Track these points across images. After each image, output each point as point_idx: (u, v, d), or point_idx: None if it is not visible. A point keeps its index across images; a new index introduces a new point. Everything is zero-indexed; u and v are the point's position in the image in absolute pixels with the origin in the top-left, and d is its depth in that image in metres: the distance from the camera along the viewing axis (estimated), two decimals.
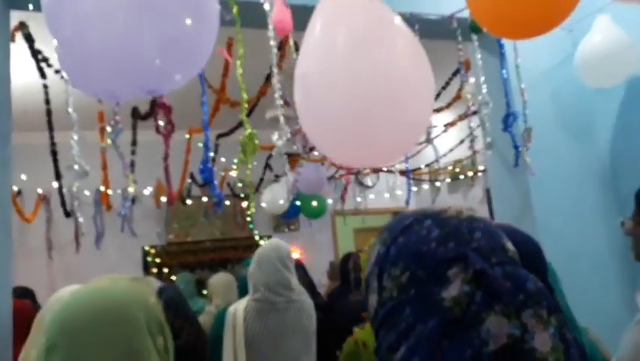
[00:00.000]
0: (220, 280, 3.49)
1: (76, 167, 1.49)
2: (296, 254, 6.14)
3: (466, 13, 2.14)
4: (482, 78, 2.25)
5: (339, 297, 3.04)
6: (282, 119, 1.80)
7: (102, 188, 3.65)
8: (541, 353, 0.57)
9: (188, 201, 5.36)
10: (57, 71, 2.17)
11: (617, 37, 2.18)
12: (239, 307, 2.05)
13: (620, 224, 1.48)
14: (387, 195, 6.21)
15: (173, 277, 5.61)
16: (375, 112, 1.18)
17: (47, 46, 2.10)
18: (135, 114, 2.87)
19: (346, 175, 5.05)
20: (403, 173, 5.85)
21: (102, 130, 2.88)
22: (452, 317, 0.60)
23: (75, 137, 1.56)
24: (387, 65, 1.21)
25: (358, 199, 5.79)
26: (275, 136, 1.78)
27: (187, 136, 3.41)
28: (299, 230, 6.22)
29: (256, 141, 1.70)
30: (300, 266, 3.80)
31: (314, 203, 4.79)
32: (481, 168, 4.95)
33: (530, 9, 1.39)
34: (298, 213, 5.34)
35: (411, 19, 2.13)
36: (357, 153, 1.33)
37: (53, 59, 2.17)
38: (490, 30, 1.68)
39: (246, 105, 3.04)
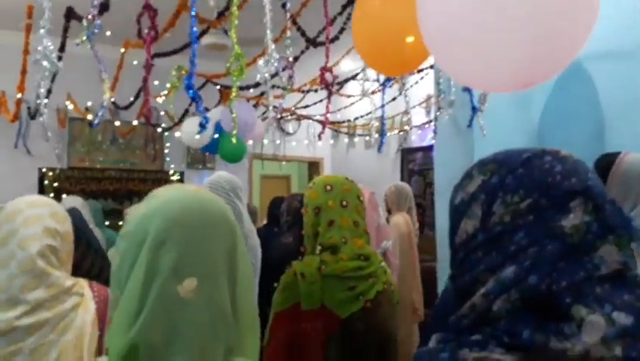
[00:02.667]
0: None
1: (45, 63, 1.29)
2: None
3: None
4: None
5: (269, 237, 3.07)
6: (271, 45, 1.71)
7: (19, 95, 3.20)
8: None
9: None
10: None
11: None
12: None
13: None
14: (307, 142, 6.27)
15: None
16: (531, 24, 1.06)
17: None
18: (70, 16, 2.52)
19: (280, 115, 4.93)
20: (321, 122, 5.92)
21: (28, 28, 2.50)
22: (570, 242, 0.66)
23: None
24: None
25: (278, 142, 5.76)
26: (261, 62, 1.70)
27: (122, 50, 3.09)
28: (215, 169, 6.05)
29: (244, 63, 1.60)
30: None
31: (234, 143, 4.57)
32: (406, 127, 5.17)
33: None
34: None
35: None
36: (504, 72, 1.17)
37: None
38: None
39: (205, 26, 2.83)
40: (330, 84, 1.82)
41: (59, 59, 2.82)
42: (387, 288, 1.53)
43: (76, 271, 2.12)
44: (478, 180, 0.74)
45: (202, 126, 1.73)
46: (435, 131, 2.57)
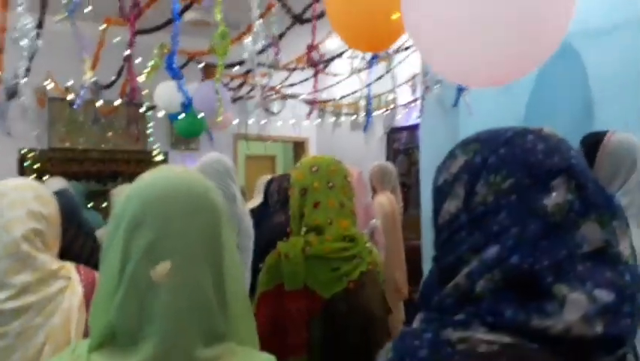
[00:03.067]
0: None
1: (24, 42, 1.25)
2: None
3: None
4: None
5: (263, 217, 3.07)
6: (257, 23, 1.68)
7: None
8: (625, 256, 0.67)
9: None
10: None
11: None
12: None
13: None
14: (293, 121, 6.23)
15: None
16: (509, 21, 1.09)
17: None
18: None
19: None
20: (307, 102, 5.88)
21: (4, 4, 2.42)
22: (553, 221, 0.67)
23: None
24: None
25: (263, 122, 5.70)
26: (248, 39, 1.67)
27: (103, 26, 3.00)
28: (199, 150, 5.99)
29: (228, 41, 1.58)
30: None
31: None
32: (391, 106, 5.16)
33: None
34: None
35: None
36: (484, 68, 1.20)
37: None
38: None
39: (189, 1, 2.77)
40: (317, 63, 1.80)
41: (37, 36, 2.75)
42: (372, 269, 1.53)
43: (67, 254, 2.11)
44: (460, 161, 0.74)
45: (185, 106, 1.71)
46: (421, 110, 2.57)
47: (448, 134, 2.61)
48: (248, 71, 3.82)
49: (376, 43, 1.61)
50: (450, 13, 1.10)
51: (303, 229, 1.53)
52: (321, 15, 2.40)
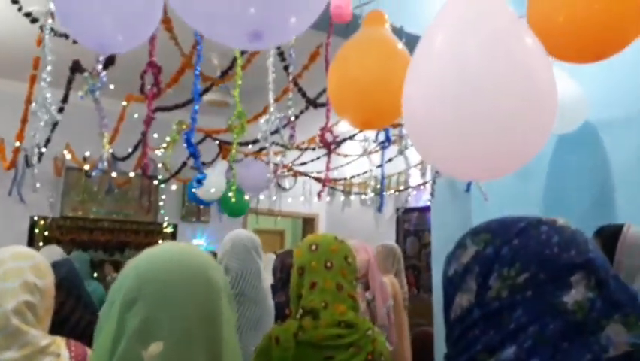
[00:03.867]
0: None
1: (46, 116, 1.30)
2: (203, 247, 5.92)
3: None
4: None
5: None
6: (272, 104, 1.74)
7: (17, 144, 3.21)
8: None
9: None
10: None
11: (567, 88, 2.41)
12: None
13: None
14: (303, 198, 6.26)
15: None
16: (505, 121, 1.12)
17: None
18: (75, 69, 2.57)
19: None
20: (319, 180, 5.94)
21: (32, 79, 2.55)
22: (574, 320, 0.63)
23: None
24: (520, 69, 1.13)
25: (274, 198, 5.74)
26: (262, 120, 1.71)
27: (124, 103, 3.13)
28: (209, 222, 6.00)
29: (245, 121, 1.62)
30: None
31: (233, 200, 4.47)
32: (401, 187, 5.19)
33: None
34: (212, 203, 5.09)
35: (398, 32, 2.19)
36: (479, 164, 1.21)
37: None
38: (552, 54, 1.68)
39: (209, 83, 2.89)
40: (330, 144, 1.83)
41: (61, 110, 2.86)
42: (373, 359, 1.40)
43: (64, 325, 2.07)
44: (471, 251, 0.72)
45: (199, 182, 1.73)
46: (432, 194, 2.56)
47: (460, 218, 2.59)
48: (261, 149, 3.90)
49: (373, 120, 1.63)
50: (441, 109, 1.14)
51: (300, 311, 1.43)
52: None
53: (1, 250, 1.25)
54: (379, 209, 2.16)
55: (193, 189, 3.74)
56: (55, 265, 2.52)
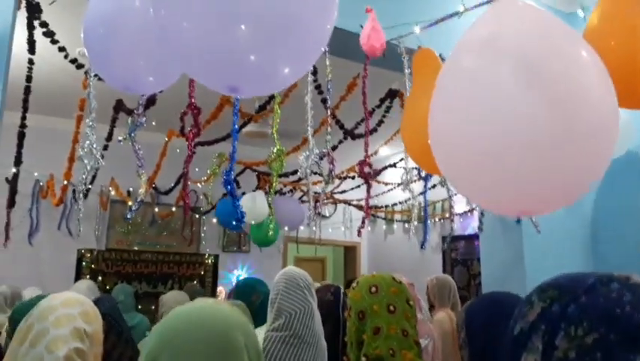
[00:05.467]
0: (176, 299, 3.22)
1: (92, 162, 1.30)
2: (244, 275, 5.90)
3: None
4: None
5: None
6: (311, 140, 1.70)
7: (64, 182, 3.30)
8: None
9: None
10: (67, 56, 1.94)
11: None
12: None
13: None
14: (343, 228, 6.18)
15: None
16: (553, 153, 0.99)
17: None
18: (119, 108, 2.64)
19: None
20: (359, 207, 5.85)
21: (79, 119, 2.62)
22: None
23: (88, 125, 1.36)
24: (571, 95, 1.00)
25: (315, 229, 5.69)
26: (301, 156, 1.67)
27: (165, 139, 3.18)
28: (249, 252, 5.99)
29: (284, 157, 1.59)
30: None
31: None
32: (446, 215, 5.03)
33: None
34: None
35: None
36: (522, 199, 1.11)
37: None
38: None
39: (246, 119, 2.90)
40: (369, 176, 1.78)
41: (106, 148, 2.92)
42: None
43: (106, 359, 2.09)
44: (537, 308, 0.68)
45: (238, 221, 1.69)
46: (480, 228, 2.44)
47: (512, 250, 2.45)
48: (300, 179, 3.87)
49: None
50: (476, 141, 1.03)
51: (363, 359, 1.36)
52: (373, 130, 2.42)
53: (52, 297, 1.28)
54: (422, 245, 2.06)
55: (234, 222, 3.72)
56: (98, 301, 2.56)
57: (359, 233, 2.10)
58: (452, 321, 3.31)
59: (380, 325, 1.36)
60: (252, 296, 2.29)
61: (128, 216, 1.77)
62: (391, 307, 1.39)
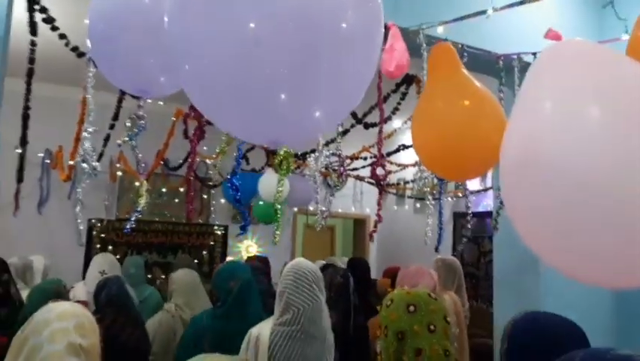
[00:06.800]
0: (186, 279, 3.18)
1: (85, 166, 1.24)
2: (253, 249, 5.93)
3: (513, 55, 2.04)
4: None
5: None
6: (321, 142, 1.61)
7: (68, 156, 3.24)
8: None
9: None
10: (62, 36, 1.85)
11: None
12: (262, 331, 1.82)
13: None
14: (353, 201, 6.13)
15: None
16: None
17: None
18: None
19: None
20: (371, 183, 5.78)
21: (84, 102, 2.54)
22: None
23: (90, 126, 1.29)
24: None
25: (324, 205, 5.64)
26: (311, 159, 1.59)
27: (173, 119, 3.10)
28: (258, 223, 5.98)
29: (291, 160, 1.50)
30: (262, 268, 3.58)
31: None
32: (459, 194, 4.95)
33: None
34: None
35: (460, 51, 2.01)
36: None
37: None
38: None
39: None
40: (382, 179, 1.70)
41: (112, 127, 2.85)
42: None
43: (115, 343, 2.09)
44: None
45: (242, 228, 1.64)
46: (495, 227, 2.36)
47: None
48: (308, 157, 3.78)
49: (464, 175, 1.49)
50: (553, 204, 0.94)
51: None
52: (387, 119, 2.32)
53: (46, 309, 1.26)
54: (436, 248, 2.00)
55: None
56: (107, 283, 2.56)
57: (371, 237, 2.04)
58: (456, 305, 3.27)
59: (422, 346, 1.34)
60: (229, 282, 2.26)
61: (127, 229, 1.71)
62: (431, 327, 1.37)
